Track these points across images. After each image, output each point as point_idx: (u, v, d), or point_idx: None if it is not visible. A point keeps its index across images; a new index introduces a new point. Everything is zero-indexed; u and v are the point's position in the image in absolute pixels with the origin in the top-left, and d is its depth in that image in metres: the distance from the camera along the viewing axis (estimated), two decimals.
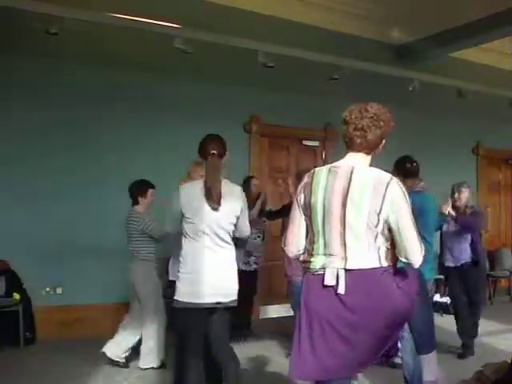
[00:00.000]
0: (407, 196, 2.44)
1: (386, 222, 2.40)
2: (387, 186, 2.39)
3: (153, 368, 4.81)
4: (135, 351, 4.94)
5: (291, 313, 5.32)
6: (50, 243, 5.76)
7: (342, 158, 2.57)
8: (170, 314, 4.59)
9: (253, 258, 5.95)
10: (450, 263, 5.42)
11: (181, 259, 3.30)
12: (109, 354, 4.88)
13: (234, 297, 3.29)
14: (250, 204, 5.90)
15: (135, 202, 4.91)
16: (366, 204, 2.38)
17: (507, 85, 8.17)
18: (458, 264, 5.33)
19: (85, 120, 5.98)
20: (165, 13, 5.78)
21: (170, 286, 4.00)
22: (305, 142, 7.74)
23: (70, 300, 5.90)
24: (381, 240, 2.42)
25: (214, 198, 3.16)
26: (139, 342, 4.88)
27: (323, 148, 7.81)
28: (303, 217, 2.57)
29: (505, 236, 9.74)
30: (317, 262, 2.48)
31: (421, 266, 2.46)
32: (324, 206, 2.46)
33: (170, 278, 3.92)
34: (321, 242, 2.48)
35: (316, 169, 2.60)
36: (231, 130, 6.89)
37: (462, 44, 7.62)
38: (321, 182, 2.50)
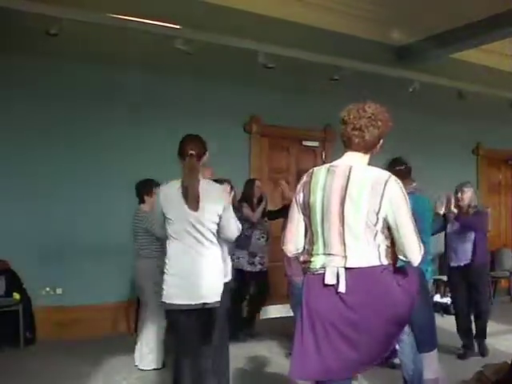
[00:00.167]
0: (406, 194, 2.45)
1: (385, 220, 2.40)
2: (385, 185, 2.39)
3: (153, 369, 4.81)
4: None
5: (291, 313, 5.32)
6: (50, 243, 5.76)
7: (340, 157, 2.58)
8: None
9: (257, 258, 5.97)
10: (453, 263, 5.41)
11: (166, 261, 3.30)
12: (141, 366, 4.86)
13: (218, 297, 3.28)
14: (254, 205, 5.98)
15: (141, 201, 4.94)
16: (364, 203, 2.38)
17: (507, 86, 8.18)
18: (461, 264, 5.31)
19: (85, 120, 5.98)
20: (165, 13, 5.79)
21: None
22: (305, 143, 7.74)
23: (70, 300, 5.90)
24: (380, 238, 2.42)
25: (191, 198, 3.16)
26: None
27: (323, 148, 7.82)
28: (302, 216, 2.57)
29: (505, 236, 9.75)
30: (317, 262, 2.48)
31: (420, 264, 2.47)
32: (323, 205, 2.47)
33: None
34: (320, 241, 2.49)
35: (315, 168, 2.60)
36: (231, 131, 6.93)
37: (463, 45, 7.62)
38: (319, 181, 2.51)
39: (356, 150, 2.53)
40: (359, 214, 2.39)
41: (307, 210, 2.53)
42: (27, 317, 5.61)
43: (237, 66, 6.55)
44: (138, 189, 4.95)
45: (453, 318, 5.68)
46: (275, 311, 7.13)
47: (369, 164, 2.56)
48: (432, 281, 5.57)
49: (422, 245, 2.46)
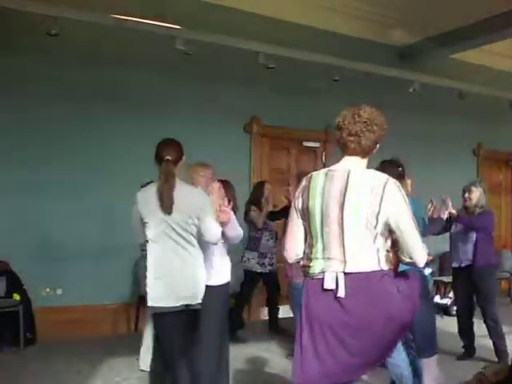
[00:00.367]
0: (405, 195, 2.44)
1: (386, 222, 2.40)
2: (384, 187, 2.39)
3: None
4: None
5: (291, 314, 5.32)
6: (50, 244, 5.76)
7: (339, 161, 2.58)
8: None
9: (267, 259, 6.02)
10: (454, 263, 5.37)
11: (147, 264, 3.33)
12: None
13: (199, 300, 3.29)
14: (263, 208, 5.99)
15: None
16: (363, 206, 2.38)
17: (508, 86, 8.18)
18: (462, 264, 5.26)
19: (85, 120, 5.98)
20: (166, 14, 5.79)
21: None
22: (305, 144, 7.74)
23: (70, 301, 5.89)
24: (380, 241, 2.42)
25: (165, 202, 3.19)
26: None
27: (323, 149, 7.81)
28: (301, 221, 2.57)
29: (505, 237, 9.74)
30: (316, 267, 2.48)
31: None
32: (322, 209, 2.46)
33: None
34: (319, 245, 2.48)
35: (313, 173, 2.60)
36: (232, 131, 6.94)
37: (463, 46, 7.63)
38: (318, 185, 2.51)
39: (353, 155, 2.53)
40: (358, 217, 2.38)
41: (306, 214, 2.53)
42: (27, 317, 5.61)
43: (238, 66, 6.55)
44: None
45: (453, 319, 5.67)
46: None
47: (368, 167, 2.56)
48: (432, 282, 5.55)
49: (424, 244, 2.45)
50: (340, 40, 7.30)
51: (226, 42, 6.03)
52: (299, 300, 2.57)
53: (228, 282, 3.84)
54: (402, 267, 2.47)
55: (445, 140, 8.38)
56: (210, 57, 6.23)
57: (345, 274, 2.39)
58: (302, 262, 2.60)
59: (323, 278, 2.43)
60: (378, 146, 2.56)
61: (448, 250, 5.58)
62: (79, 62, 5.89)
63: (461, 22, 7.07)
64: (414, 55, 7.98)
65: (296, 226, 2.60)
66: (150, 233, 3.28)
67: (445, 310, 7.18)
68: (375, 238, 2.40)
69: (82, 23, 5.32)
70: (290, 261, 2.67)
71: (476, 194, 5.23)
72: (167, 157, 3.28)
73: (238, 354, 5.07)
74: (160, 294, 3.24)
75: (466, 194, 5.25)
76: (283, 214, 5.23)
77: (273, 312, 6.44)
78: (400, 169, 3.99)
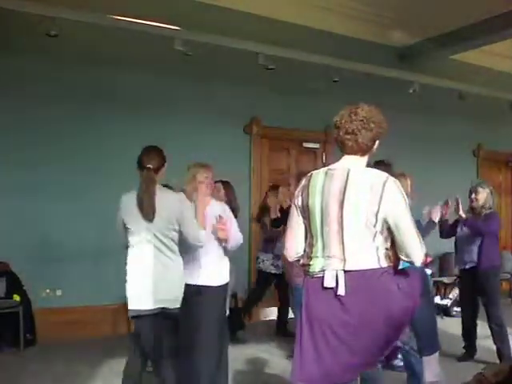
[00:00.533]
0: (404, 194, 2.45)
1: (385, 221, 2.40)
2: (384, 185, 2.40)
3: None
4: None
5: (292, 314, 5.31)
6: (50, 245, 5.75)
7: (338, 160, 2.58)
8: None
9: (281, 261, 5.98)
10: (460, 266, 5.34)
11: (127, 268, 3.37)
12: None
13: (178, 305, 3.34)
14: (274, 211, 5.98)
15: None
16: (363, 204, 2.38)
17: (508, 87, 8.18)
18: (466, 266, 5.22)
19: (84, 120, 5.98)
20: (165, 14, 5.79)
21: None
22: (305, 144, 7.74)
23: (70, 302, 5.89)
24: (379, 240, 2.42)
25: (145, 209, 3.25)
26: None
27: (323, 150, 7.81)
28: (301, 219, 2.58)
29: (505, 239, 9.71)
30: (316, 265, 2.48)
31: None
32: (322, 208, 2.47)
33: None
34: (319, 244, 2.49)
35: (313, 172, 2.61)
36: (232, 132, 6.93)
37: (463, 46, 7.62)
38: (318, 184, 2.51)
39: (351, 154, 2.53)
40: (358, 215, 2.39)
41: (306, 213, 2.53)
42: (27, 318, 5.60)
43: (237, 67, 6.54)
44: None
45: (453, 319, 5.66)
46: (275, 312, 7.11)
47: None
48: (432, 283, 5.54)
49: (423, 244, 2.45)
50: (335, 40, 7.28)
51: (225, 43, 6.02)
52: (299, 300, 2.57)
53: (227, 283, 3.85)
54: (403, 264, 2.46)
55: (445, 141, 8.38)
56: (208, 57, 6.22)
57: (345, 272, 2.39)
58: (301, 261, 2.60)
59: (323, 277, 2.43)
60: (376, 144, 2.56)
61: (448, 250, 5.57)
62: (78, 62, 5.88)
63: (461, 23, 7.07)
64: (413, 56, 7.97)
65: (296, 224, 2.60)
66: (132, 238, 3.34)
67: (445, 311, 7.17)
68: (374, 236, 2.40)
69: (81, 24, 5.31)
70: (289, 259, 2.68)
71: (483, 195, 5.15)
72: (148, 165, 3.36)
73: (238, 355, 5.07)
74: (138, 297, 3.30)
75: (473, 195, 5.16)
76: (283, 218, 5.20)
77: (283, 314, 6.37)
78: (389, 169, 3.96)
